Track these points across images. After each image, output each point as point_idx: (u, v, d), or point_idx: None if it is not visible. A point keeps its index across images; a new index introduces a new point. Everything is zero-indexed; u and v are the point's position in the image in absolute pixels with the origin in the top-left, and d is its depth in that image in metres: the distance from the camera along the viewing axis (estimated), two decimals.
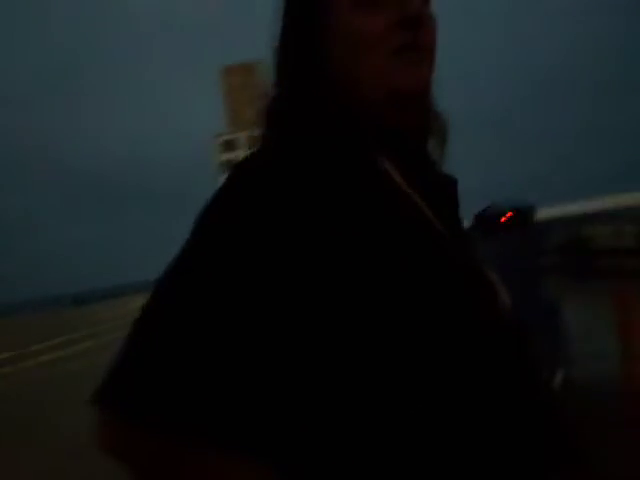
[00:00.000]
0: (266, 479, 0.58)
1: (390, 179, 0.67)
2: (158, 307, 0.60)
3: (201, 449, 0.56)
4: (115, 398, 0.58)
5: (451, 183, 0.78)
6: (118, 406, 0.57)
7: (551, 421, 0.67)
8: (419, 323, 0.59)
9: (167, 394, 0.56)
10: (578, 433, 0.67)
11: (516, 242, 3.58)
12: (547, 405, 0.68)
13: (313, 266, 0.58)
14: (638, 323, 3.96)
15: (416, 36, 0.69)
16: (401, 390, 0.58)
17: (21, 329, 29.19)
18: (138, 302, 0.87)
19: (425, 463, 0.59)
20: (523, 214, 4.50)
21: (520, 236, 3.73)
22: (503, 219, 4.36)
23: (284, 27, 0.74)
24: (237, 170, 0.64)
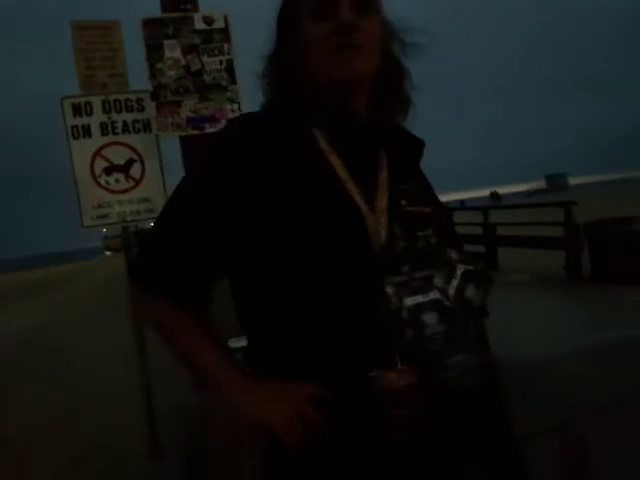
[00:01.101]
0: (204, 322, 1.02)
1: (313, 141, 1.00)
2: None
3: (167, 305, 1.00)
4: (132, 276, 1.04)
5: (416, 144, 1.11)
6: (135, 281, 1.03)
7: (379, 335, 0.91)
8: (296, 221, 0.95)
9: (154, 270, 1.00)
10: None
11: None
12: (378, 324, 0.91)
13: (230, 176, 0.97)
14: None
15: (348, 38, 0.97)
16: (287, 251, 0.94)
17: None
18: None
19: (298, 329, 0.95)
20: None
21: None
22: None
23: (274, 38, 1.05)
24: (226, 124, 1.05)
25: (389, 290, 0.90)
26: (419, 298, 0.90)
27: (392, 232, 0.98)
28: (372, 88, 1.05)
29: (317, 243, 0.94)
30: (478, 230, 10.44)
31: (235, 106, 3.35)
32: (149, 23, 3.45)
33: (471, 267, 0.94)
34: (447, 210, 1.16)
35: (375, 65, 1.02)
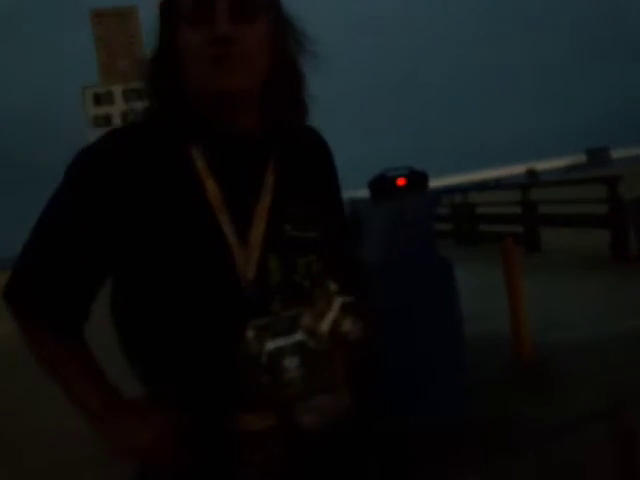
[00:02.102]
0: (80, 350, 0.99)
1: (190, 161, 0.94)
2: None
3: (45, 332, 0.97)
4: (9, 298, 0.98)
5: (322, 148, 1.07)
6: (12, 305, 0.98)
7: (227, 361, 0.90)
8: (161, 236, 0.91)
9: (30, 295, 0.97)
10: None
11: (411, 206, 3.72)
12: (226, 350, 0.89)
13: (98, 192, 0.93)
14: (521, 285, 4.31)
15: (224, 51, 0.89)
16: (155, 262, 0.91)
17: None
18: None
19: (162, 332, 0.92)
20: (417, 179, 4.69)
21: (414, 200, 3.87)
22: (398, 183, 4.50)
23: (157, 37, 0.97)
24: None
25: (249, 334, 0.87)
26: (281, 341, 0.87)
27: (264, 266, 0.92)
28: (263, 98, 0.97)
29: (180, 280, 0.90)
30: (517, 210, 10.24)
31: None
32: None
33: (350, 299, 0.91)
34: (347, 224, 1.12)
35: (260, 76, 0.94)
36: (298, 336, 0.88)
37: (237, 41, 0.89)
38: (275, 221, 0.95)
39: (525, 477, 2.72)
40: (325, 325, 0.88)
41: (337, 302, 0.90)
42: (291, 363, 0.86)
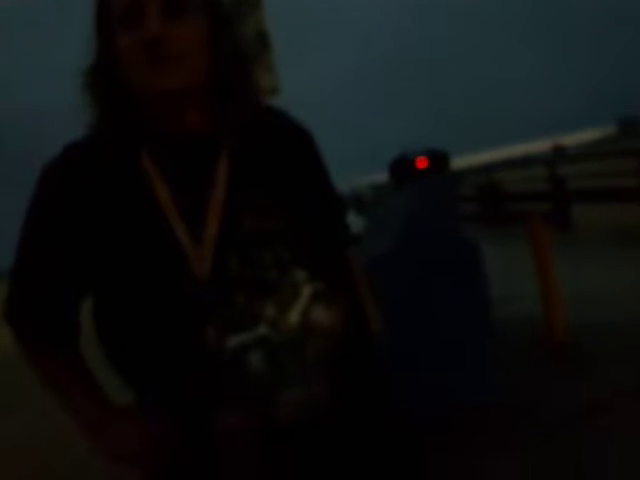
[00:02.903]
0: (73, 362, 1.05)
1: (139, 166, 0.95)
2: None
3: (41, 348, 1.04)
4: (6, 318, 1.05)
5: (295, 134, 1.06)
6: (9, 323, 1.05)
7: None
8: (117, 245, 0.94)
9: (23, 313, 1.04)
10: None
11: (431, 189, 3.67)
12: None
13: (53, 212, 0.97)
14: (552, 265, 4.24)
15: (157, 52, 0.89)
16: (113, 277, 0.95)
17: None
18: None
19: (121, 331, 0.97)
20: (438, 160, 4.62)
21: (435, 182, 3.83)
22: (418, 165, 4.45)
23: (93, 43, 0.97)
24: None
25: (210, 331, 0.86)
26: (244, 337, 0.85)
27: (221, 262, 0.92)
28: (209, 93, 0.98)
29: (140, 286, 0.93)
30: (545, 187, 10.08)
31: (273, 76, 3.28)
32: None
33: (321, 286, 0.88)
34: (334, 210, 1.10)
35: (199, 75, 0.94)
36: (261, 330, 0.86)
37: (168, 41, 0.90)
38: (231, 215, 0.94)
39: (559, 459, 2.69)
40: (293, 316, 0.87)
41: (306, 291, 0.88)
42: (255, 358, 0.85)
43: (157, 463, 0.99)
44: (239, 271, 0.91)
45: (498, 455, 2.83)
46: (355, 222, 4.96)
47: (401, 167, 4.48)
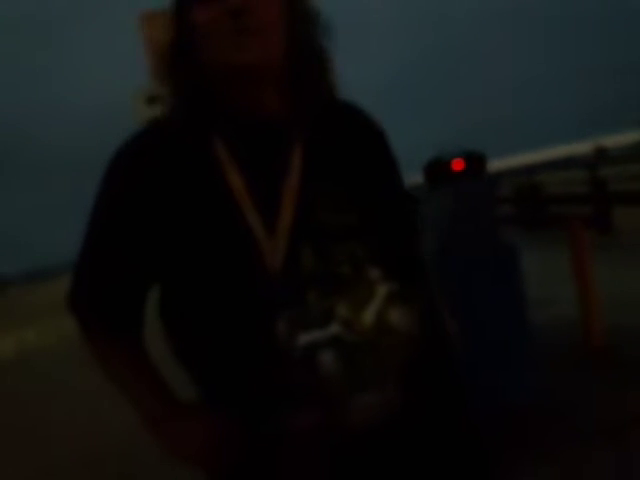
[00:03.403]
0: (137, 351, 1.03)
1: (211, 151, 0.93)
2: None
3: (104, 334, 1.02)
4: (71, 305, 1.04)
5: (368, 128, 1.02)
6: (73, 311, 1.04)
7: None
8: (190, 230, 0.91)
9: (89, 300, 1.02)
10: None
11: (469, 192, 3.66)
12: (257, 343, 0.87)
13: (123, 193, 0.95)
14: (591, 269, 4.18)
15: (239, 23, 0.87)
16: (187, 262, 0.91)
17: None
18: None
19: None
20: (475, 162, 4.59)
21: (473, 185, 3.81)
22: (454, 167, 4.44)
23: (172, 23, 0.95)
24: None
25: (281, 326, 0.82)
26: (316, 334, 0.81)
27: (293, 255, 0.88)
28: (286, 77, 0.94)
29: (210, 276, 0.89)
30: (586, 189, 9.88)
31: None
32: None
33: (397, 287, 0.83)
34: (405, 208, 1.05)
35: (279, 49, 0.91)
36: (333, 328, 0.82)
37: (251, 11, 0.87)
38: (306, 206, 0.90)
39: (597, 468, 2.65)
40: (368, 316, 0.82)
41: (382, 290, 0.83)
42: (327, 358, 0.81)
43: (220, 463, 0.95)
44: (312, 265, 0.87)
45: (535, 459, 2.81)
46: None
47: (436, 169, 4.46)
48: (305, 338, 0.81)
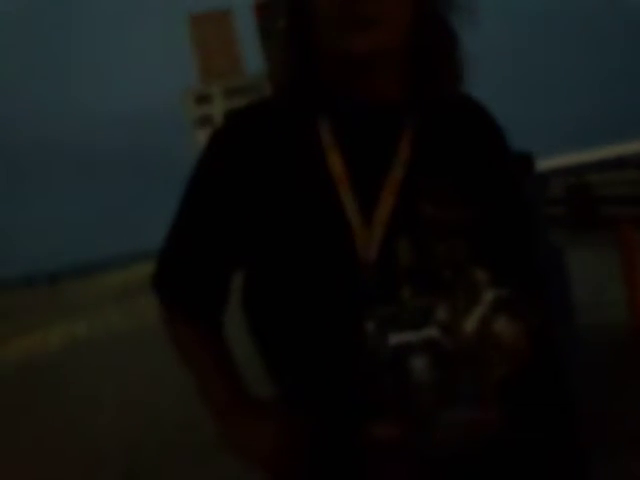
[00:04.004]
0: (214, 339, 1.00)
1: (315, 133, 0.88)
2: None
3: (182, 321, 1.00)
4: (154, 287, 1.01)
5: (486, 124, 0.95)
6: (156, 293, 1.01)
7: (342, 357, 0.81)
8: (279, 218, 0.87)
9: (173, 284, 0.99)
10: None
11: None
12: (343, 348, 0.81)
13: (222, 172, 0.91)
14: None
15: (359, 8, 0.80)
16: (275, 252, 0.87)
17: None
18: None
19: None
20: (523, 162, 4.53)
21: (521, 186, 3.76)
22: None
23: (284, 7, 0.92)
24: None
25: (370, 325, 0.74)
26: (409, 336, 0.72)
27: (389, 249, 0.81)
28: (404, 61, 0.88)
29: (299, 263, 0.85)
30: (636, 190, 9.60)
31: None
32: (261, 8, 3.55)
33: (506, 293, 0.73)
34: (519, 211, 0.96)
35: (401, 34, 0.84)
36: (430, 331, 0.72)
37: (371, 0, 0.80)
38: (408, 198, 0.84)
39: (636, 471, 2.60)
40: (470, 323, 0.71)
41: (488, 296, 0.73)
42: (419, 363, 0.71)
43: (288, 467, 0.89)
44: (409, 262, 0.80)
45: (585, 466, 2.76)
46: None
47: None
48: (396, 338, 0.72)
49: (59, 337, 12.36)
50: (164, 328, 1.02)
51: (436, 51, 0.87)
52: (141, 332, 9.70)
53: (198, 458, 3.90)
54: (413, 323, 0.73)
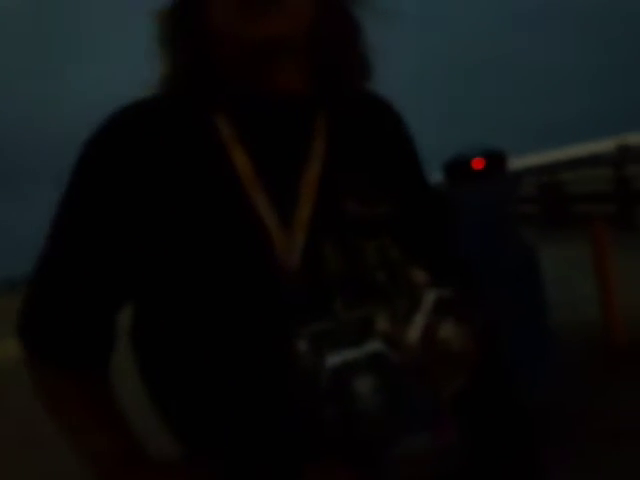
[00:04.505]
0: (99, 390, 0.82)
1: (214, 132, 0.76)
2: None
3: (52, 369, 0.80)
4: (18, 329, 0.82)
5: (390, 117, 0.87)
6: (20, 337, 0.82)
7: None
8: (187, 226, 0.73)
9: (41, 326, 0.79)
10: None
11: (489, 190, 3.63)
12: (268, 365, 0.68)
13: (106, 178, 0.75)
14: (615, 269, 4.12)
15: None
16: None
17: None
18: None
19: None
20: (495, 161, 4.56)
21: (493, 184, 3.78)
22: (475, 166, 4.41)
23: None
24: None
25: (302, 345, 0.62)
26: (349, 354, 0.61)
27: (315, 254, 0.70)
28: (309, 52, 0.78)
29: (202, 278, 0.71)
30: (609, 188, 9.75)
31: None
32: None
33: (447, 293, 0.64)
34: (436, 203, 0.89)
35: (305, 21, 0.74)
36: (373, 345, 0.62)
37: None
38: (329, 196, 0.75)
39: (622, 469, 2.61)
40: (414, 331, 0.62)
41: (429, 297, 0.63)
42: (365, 386, 0.61)
43: None
44: (338, 266, 0.70)
45: (556, 461, 2.78)
46: None
47: (457, 168, 4.43)
48: (335, 359, 0.61)
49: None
50: (30, 380, 0.82)
51: (340, 43, 0.79)
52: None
53: None
54: (352, 338, 0.62)
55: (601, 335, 4.12)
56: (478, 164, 4.45)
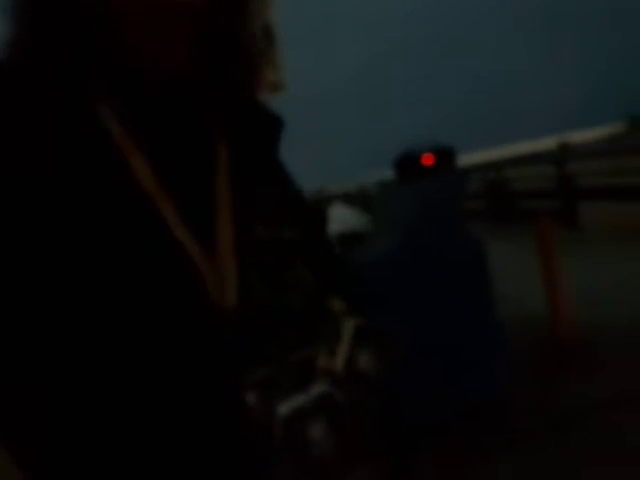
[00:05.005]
0: None
1: (96, 124, 0.57)
2: None
3: None
4: None
5: (271, 124, 0.72)
6: None
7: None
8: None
9: None
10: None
11: (438, 186, 3.64)
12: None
13: None
14: (558, 264, 4.21)
15: None
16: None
17: None
18: None
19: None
20: (445, 157, 4.58)
21: (442, 180, 3.79)
22: (424, 162, 4.42)
23: None
24: None
25: (251, 397, 0.56)
26: (298, 399, 0.57)
27: (244, 287, 0.61)
28: (200, 29, 0.61)
29: (123, 321, 0.55)
30: (553, 185, 10.03)
31: (277, 72, 3.24)
32: None
33: (362, 321, 0.62)
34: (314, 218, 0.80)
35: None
36: (320, 387, 0.59)
37: None
38: (243, 217, 0.63)
39: (565, 459, 2.66)
40: (339, 363, 0.60)
41: (348, 328, 0.62)
42: (318, 430, 0.57)
43: None
44: (266, 302, 0.63)
45: (504, 454, 2.81)
46: (360, 220, 4.94)
47: (406, 164, 4.44)
48: (286, 406, 0.57)
49: None
50: None
51: (238, 20, 0.65)
52: None
53: None
54: (297, 382, 0.57)
55: (547, 329, 4.21)
56: (428, 160, 4.48)
